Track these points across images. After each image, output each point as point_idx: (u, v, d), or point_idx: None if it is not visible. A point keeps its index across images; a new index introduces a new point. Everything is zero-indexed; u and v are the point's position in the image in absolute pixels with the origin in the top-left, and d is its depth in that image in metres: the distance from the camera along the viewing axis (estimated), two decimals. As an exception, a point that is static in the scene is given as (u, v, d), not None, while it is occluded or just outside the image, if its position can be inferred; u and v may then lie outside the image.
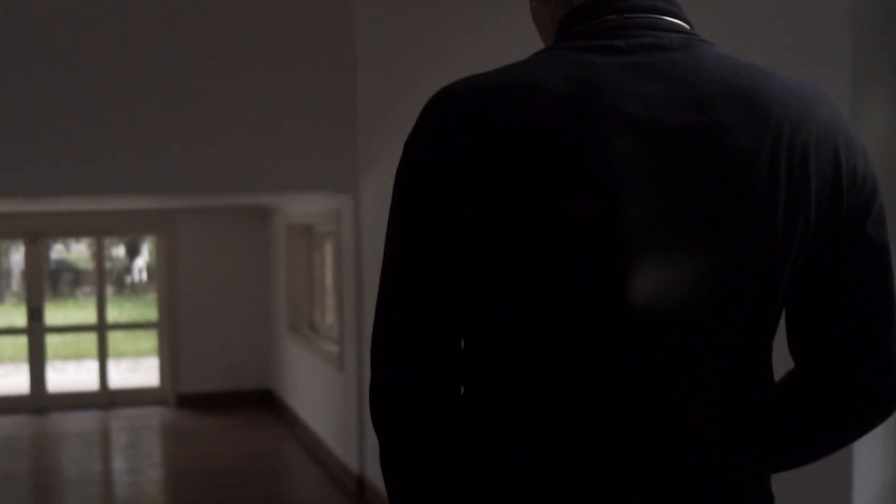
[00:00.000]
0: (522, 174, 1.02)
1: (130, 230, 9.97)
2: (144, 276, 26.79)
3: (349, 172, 6.07)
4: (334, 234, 7.41)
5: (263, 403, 9.42)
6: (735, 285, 1.05)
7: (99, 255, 9.78)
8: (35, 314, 9.28)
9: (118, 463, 7.47)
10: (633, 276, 1.02)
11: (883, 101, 2.02)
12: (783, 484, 2.11)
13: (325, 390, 7.20)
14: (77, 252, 20.94)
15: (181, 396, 9.38)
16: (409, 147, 1.10)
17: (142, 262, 27.02)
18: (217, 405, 9.28)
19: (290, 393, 8.70)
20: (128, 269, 26.91)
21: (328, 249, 7.98)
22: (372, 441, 6.07)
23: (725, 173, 1.03)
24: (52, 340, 10.45)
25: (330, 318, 8.02)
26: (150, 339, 15.38)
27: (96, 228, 9.34)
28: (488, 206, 1.04)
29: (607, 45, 1.05)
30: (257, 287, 9.56)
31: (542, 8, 1.19)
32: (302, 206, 7.94)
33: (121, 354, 14.73)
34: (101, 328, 9.56)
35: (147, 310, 20.08)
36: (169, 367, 9.43)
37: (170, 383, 9.43)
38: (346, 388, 6.50)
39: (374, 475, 6.03)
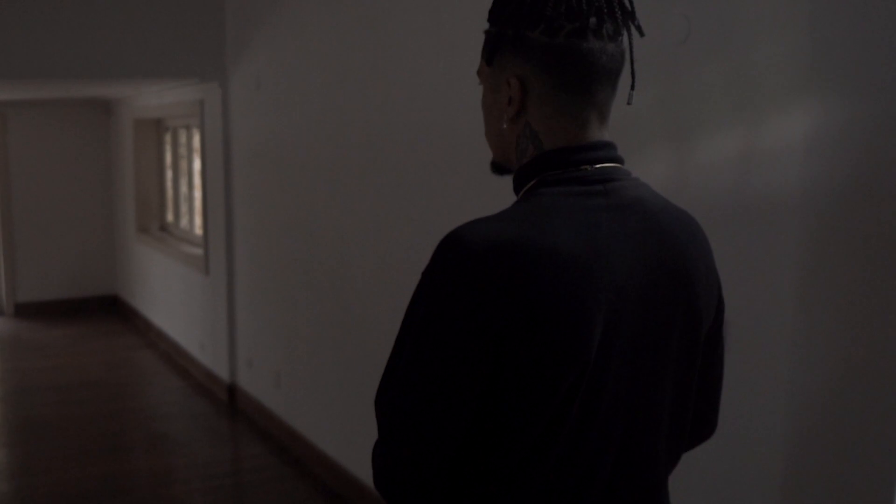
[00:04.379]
0: (539, 320, 1.22)
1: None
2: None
3: (216, 59, 5.57)
4: (194, 128, 6.91)
5: (110, 310, 8.89)
6: (681, 377, 1.41)
7: (-83, 153, 8.88)
8: None
9: (-45, 379, 6.87)
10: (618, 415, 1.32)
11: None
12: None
13: (186, 295, 6.78)
14: None
15: (19, 305, 8.73)
16: (435, 287, 1.26)
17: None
18: (59, 314, 8.69)
19: (140, 299, 8.20)
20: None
21: (183, 144, 7.45)
22: (244, 349, 5.75)
23: (685, 289, 1.36)
24: None
25: (186, 218, 7.55)
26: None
27: (-88, 123, 8.44)
28: (509, 346, 1.22)
29: (590, 190, 1.30)
30: (100, 187, 8.91)
31: (502, 117, 1.38)
32: (151, 98, 7.35)
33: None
34: (-76, 234, 8.77)
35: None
36: (4, 274, 8.72)
37: (6, 292, 8.74)
38: (214, 293, 6.12)
39: (246, 382, 5.73)
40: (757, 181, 2.24)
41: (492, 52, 1.37)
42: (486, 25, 1.40)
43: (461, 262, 1.23)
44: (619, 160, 1.36)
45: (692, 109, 2.41)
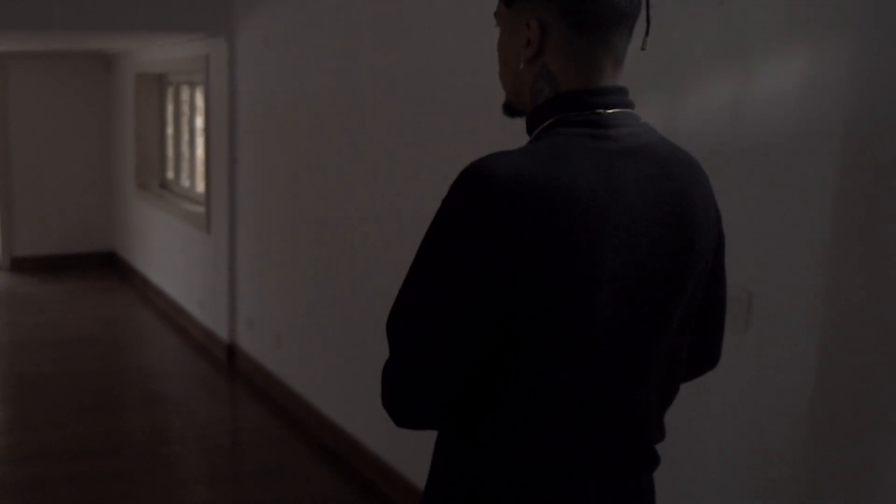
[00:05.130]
0: (557, 254, 1.27)
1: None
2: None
3: (224, 13, 5.47)
4: (197, 84, 6.82)
5: (106, 267, 8.82)
6: (672, 319, 1.43)
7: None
8: None
9: (-49, 331, 6.82)
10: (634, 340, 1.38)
11: None
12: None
13: (186, 253, 6.72)
14: None
15: (15, 259, 8.65)
16: (457, 214, 1.28)
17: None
18: (55, 269, 8.62)
19: (137, 255, 8.14)
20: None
21: (186, 100, 7.36)
22: (244, 308, 5.70)
23: (687, 229, 1.40)
24: None
25: (187, 175, 7.47)
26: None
27: (-89, 73, 8.32)
28: (525, 278, 1.27)
29: (605, 134, 1.34)
30: (99, 142, 8.81)
31: (519, 58, 1.40)
32: (154, 53, 7.25)
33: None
34: (-80, 185, 8.67)
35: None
36: (1, 228, 8.64)
37: (2, 246, 8.66)
38: (215, 251, 6.06)
39: (246, 342, 5.69)
40: (750, 126, 2.22)
41: None
42: None
43: (485, 192, 1.26)
44: (631, 105, 1.40)
45: (684, 54, 2.38)
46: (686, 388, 2.39)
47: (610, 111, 1.37)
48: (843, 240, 2.02)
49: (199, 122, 7.04)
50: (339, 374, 4.50)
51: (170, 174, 7.83)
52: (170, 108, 7.69)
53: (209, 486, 4.40)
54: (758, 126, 2.23)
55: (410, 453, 3.81)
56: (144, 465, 4.48)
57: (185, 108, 7.37)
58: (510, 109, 1.48)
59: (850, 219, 2.01)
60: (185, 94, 7.34)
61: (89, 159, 8.81)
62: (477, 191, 1.27)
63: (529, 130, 1.42)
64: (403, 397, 1.34)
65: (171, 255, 7.13)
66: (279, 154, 5.11)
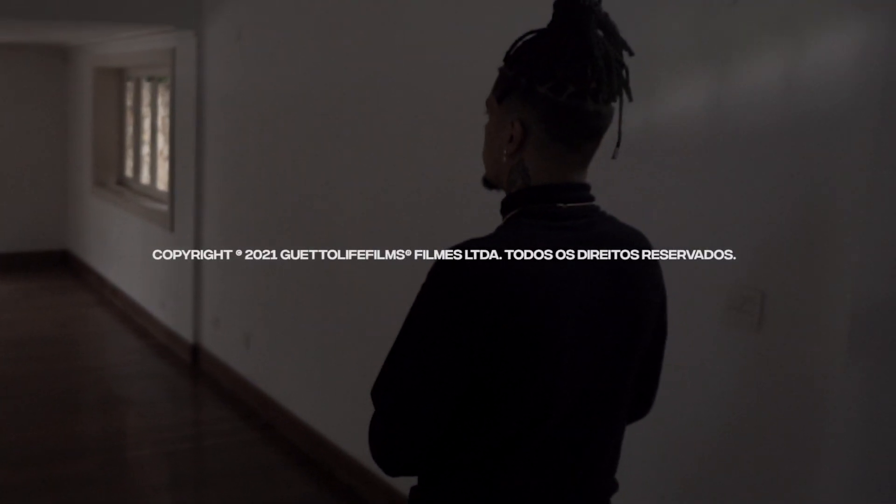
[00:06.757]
0: (520, 330, 1.47)
1: None
2: None
3: (193, 5, 5.32)
4: (157, 79, 6.66)
5: (59, 266, 8.60)
6: (623, 382, 1.64)
7: None
8: None
9: None
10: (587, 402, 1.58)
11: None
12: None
13: (147, 253, 6.54)
14: None
15: (-35, 258, 8.41)
16: (434, 300, 1.50)
17: None
18: (7, 267, 8.37)
19: (94, 254, 7.94)
20: None
21: (146, 95, 7.18)
22: (209, 307, 5.56)
23: (633, 306, 1.61)
24: None
25: (147, 172, 7.29)
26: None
27: None
28: (493, 351, 1.47)
29: (562, 224, 1.56)
30: (55, 138, 8.57)
31: (502, 150, 1.60)
32: (114, 46, 7.06)
33: None
34: None
35: None
36: (-50, 224, 8.38)
37: (-49, 243, 8.40)
38: (179, 250, 5.90)
39: (211, 342, 5.55)
40: (802, 102, 2.16)
41: (504, 93, 1.57)
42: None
43: (457, 280, 1.47)
44: (590, 199, 1.61)
45: (730, 30, 2.32)
46: (697, 385, 2.35)
47: (568, 205, 1.57)
48: (869, 237, 1.98)
49: (161, 117, 6.88)
50: (313, 375, 4.39)
51: (128, 172, 7.64)
52: (129, 103, 7.50)
53: (172, 492, 4.28)
54: (780, 110, 2.18)
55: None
56: (105, 471, 4.33)
57: (146, 104, 7.20)
58: (488, 183, 1.67)
59: (871, 215, 1.97)
60: (146, 88, 7.17)
61: (44, 155, 8.58)
62: (450, 279, 1.48)
63: (503, 213, 1.62)
64: (393, 452, 1.55)
65: (130, 254, 6.95)
66: (249, 151, 4.98)
